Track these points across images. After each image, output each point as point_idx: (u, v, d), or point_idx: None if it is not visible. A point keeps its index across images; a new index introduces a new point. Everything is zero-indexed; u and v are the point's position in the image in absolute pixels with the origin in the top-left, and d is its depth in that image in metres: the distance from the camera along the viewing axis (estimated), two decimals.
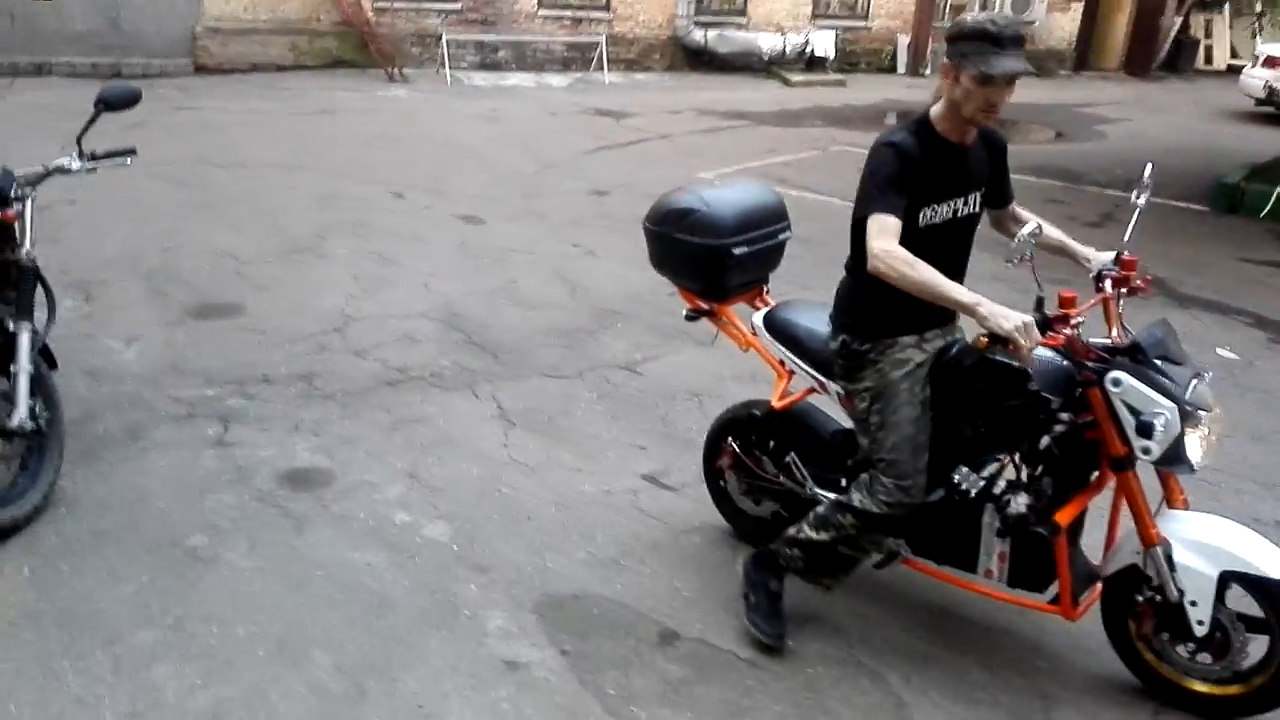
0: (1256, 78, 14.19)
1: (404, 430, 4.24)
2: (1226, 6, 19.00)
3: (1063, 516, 2.66)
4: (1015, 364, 2.58)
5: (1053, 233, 2.85)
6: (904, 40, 17.19)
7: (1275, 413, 4.87)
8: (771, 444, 3.29)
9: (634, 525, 3.60)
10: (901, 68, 17.25)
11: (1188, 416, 2.44)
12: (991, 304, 2.41)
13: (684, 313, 3.48)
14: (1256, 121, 14.11)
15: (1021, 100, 15.53)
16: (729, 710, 2.72)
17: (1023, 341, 2.35)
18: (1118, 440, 2.53)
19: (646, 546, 3.48)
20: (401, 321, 5.45)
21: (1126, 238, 2.83)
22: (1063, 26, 18.13)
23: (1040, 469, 2.71)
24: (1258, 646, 2.60)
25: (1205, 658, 2.67)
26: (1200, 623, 2.56)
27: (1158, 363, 2.50)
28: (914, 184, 2.59)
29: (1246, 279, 7.08)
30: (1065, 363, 2.58)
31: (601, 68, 15.26)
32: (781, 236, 3.36)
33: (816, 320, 3.09)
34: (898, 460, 2.71)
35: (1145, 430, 2.42)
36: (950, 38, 2.60)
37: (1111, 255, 2.81)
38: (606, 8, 15.84)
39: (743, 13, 16.59)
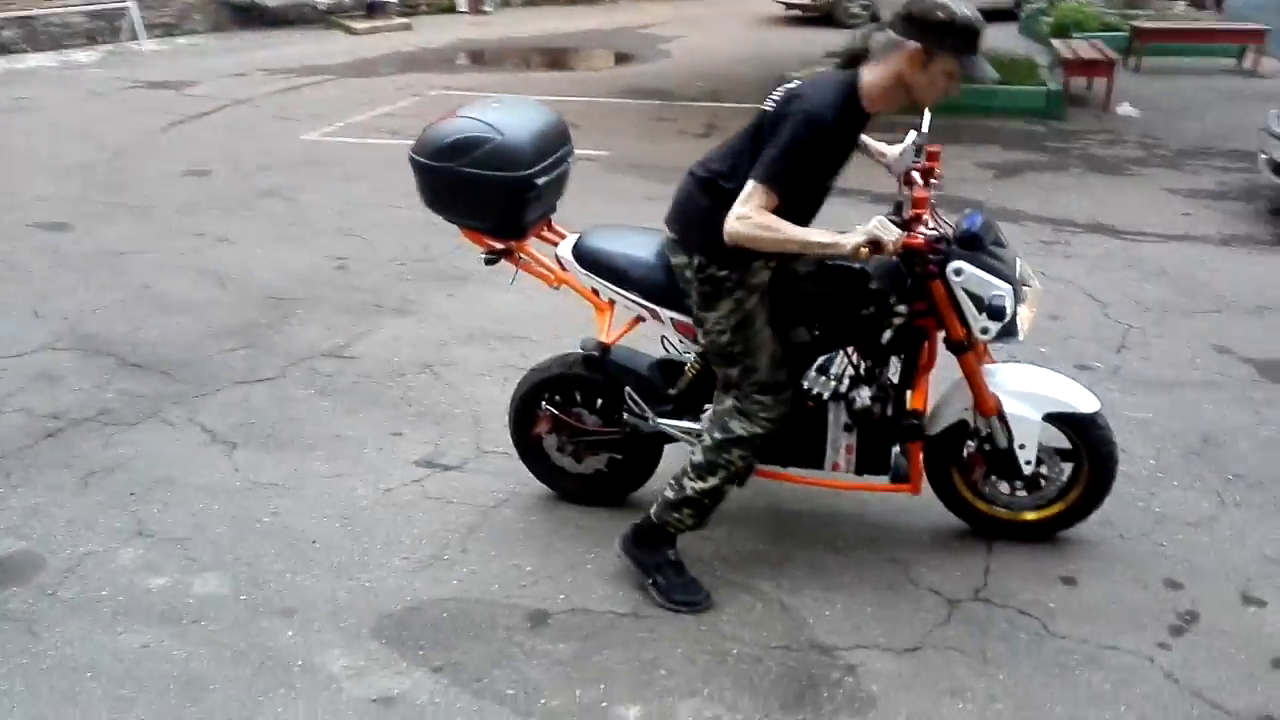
0: None
1: (99, 483, 3.50)
2: None
3: (918, 403, 2.82)
4: (856, 266, 2.65)
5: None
6: None
7: None
8: (596, 392, 3.11)
9: (436, 516, 3.29)
10: (462, 5, 17.04)
11: (1018, 294, 2.66)
12: (841, 235, 2.43)
13: (482, 256, 3.12)
14: (791, 24, 15.81)
15: (581, 28, 16.12)
16: (637, 668, 2.59)
17: (885, 239, 2.41)
18: (958, 325, 2.67)
19: (461, 533, 3.19)
20: (26, 360, 4.47)
21: (925, 129, 2.95)
22: None
23: (877, 362, 2.82)
24: (1066, 470, 2.97)
25: (1023, 492, 3.01)
26: (1028, 462, 2.86)
27: (991, 248, 2.67)
28: (826, 161, 2.52)
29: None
30: (894, 259, 2.66)
31: (135, 37, 13.43)
32: (570, 160, 3.11)
33: (634, 246, 2.94)
34: (771, 380, 2.69)
35: (997, 313, 2.56)
36: (930, 23, 2.40)
37: (906, 147, 2.93)
38: None
39: None
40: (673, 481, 2.83)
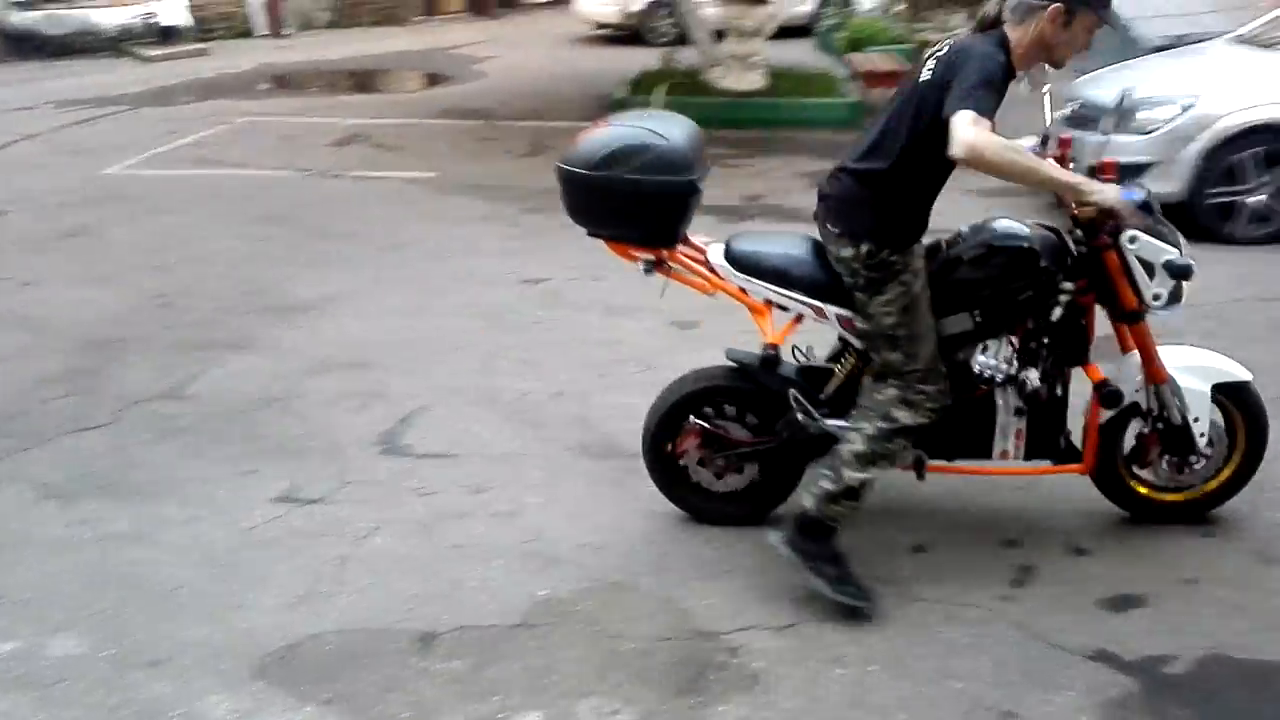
0: (591, 4, 16.09)
1: None
2: None
3: (1097, 375, 2.93)
4: (1023, 245, 2.79)
5: None
6: (255, 2, 16.36)
7: None
8: (751, 402, 3.10)
9: (305, 550, 3.21)
10: (261, 29, 16.44)
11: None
12: (1090, 181, 2.63)
13: (641, 268, 3.05)
14: (602, 43, 16.08)
15: (394, 49, 15.87)
16: (532, 675, 2.63)
17: (1125, 210, 2.61)
18: (1131, 294, 2.81)
19: (335, 565, 3.13)
20: None
21: (1049, 121, 3.12)
22: None
23: (1046, 342, 2.89)
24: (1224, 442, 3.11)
25: (1190, 470, 3.10)
26: (1202, 434, 2.99)
27: (1157, 215, 2.82)
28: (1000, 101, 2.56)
29: None
30: (1051, 235, 2.84)
31: None
32: (709, 164, 3.09)
33: (788, 246, 3.00)
34: (933, 367, 2.78)
35: (1182, 272, 2.71)
36: None
37: (1031, 140, 3.08)
38: None
39: None
40: (828, 473, 2.83)
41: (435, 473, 3.67)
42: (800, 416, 2.99)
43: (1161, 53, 8.87)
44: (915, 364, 2.76)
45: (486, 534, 3.27)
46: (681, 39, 12.53)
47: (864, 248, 2.72)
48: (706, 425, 3.11)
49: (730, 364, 3.12)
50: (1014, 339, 2.93)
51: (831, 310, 2.93)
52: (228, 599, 2.98)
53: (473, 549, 3.19)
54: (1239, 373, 3.05)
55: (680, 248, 3.03)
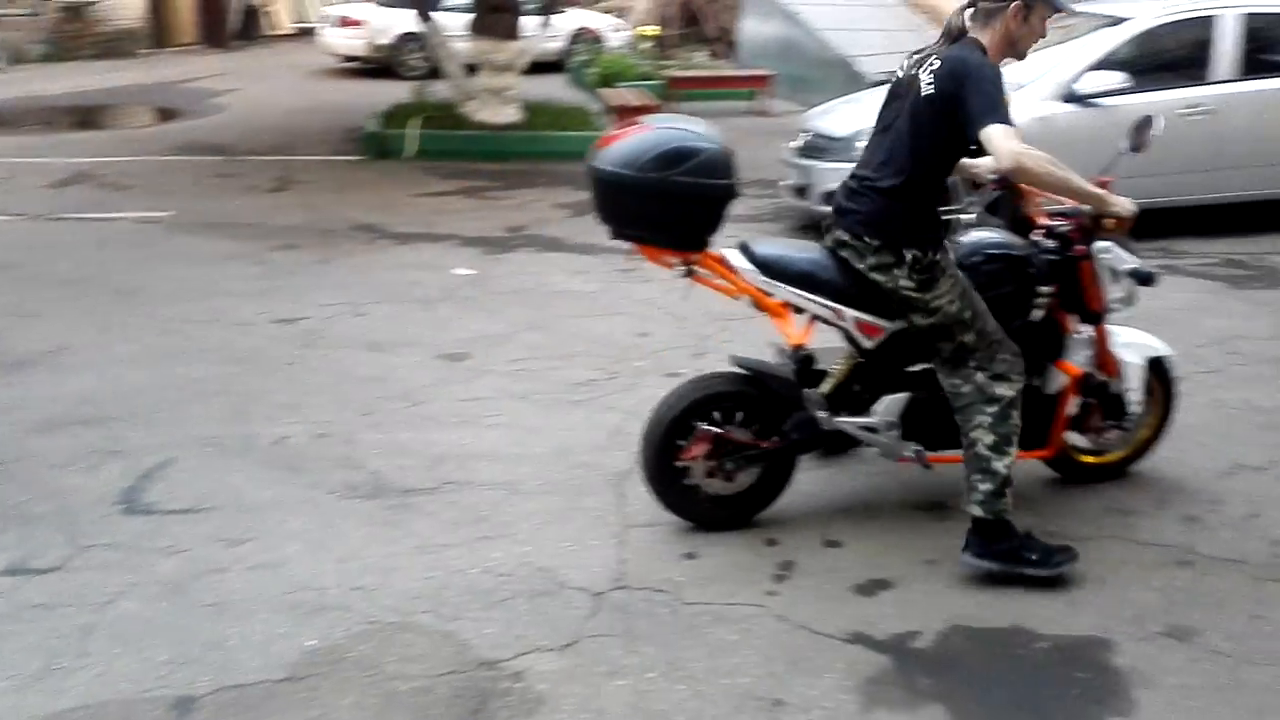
0: (338, 37, 15.67)
1: None
2: None
3: (1073, 370, 3.32)
4: (1015, 253, 3.17)
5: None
6: None
7: (525, 307, 5.86)
8: (757, 402, 3.24)
9: (39, 625, 2.91)
10: None
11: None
12: (1110, 194, 2.99)
13: (677, 273, 3.18)
14: (349, 76, 15.69)
15: (121, 84, 14.85)
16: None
17: (1126, 213, 3.01)
18: (1098, 298, 3.23)
19: (75, 637, 2.85)
20: None
21: None
22: (130, 5, 17.45)
23: (1027, 343, 3.16)
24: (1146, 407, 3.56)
25: (1116, 434, 3.58)
26: (1138, 402, 3.46)
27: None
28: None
29: (434, 210, 8.12)
30: (1033, 246, 3.19)
31: None
32: None
33: (810, 251, 3.21)
34: (1001, 335, 3.04)
35: (1147, 279, 3.11)
36: None
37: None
38: None
39: None
40: (977, 476, 3.01)
41: (185, 529, 3.43)
42: (816, 414, 3.21)
43: (881, 86, 9.76)
44: (990, 336, 3.04)
45: (245, 588, 3.09)
46: (434, 73, 12.48)
47: (910, 255, 2.97)
48: (718, 430, 3.22)
49: (734, 370, 3.29)
50: None
51: (850, 314, 3.13)
52: None
53: (231, 605, 3.01)
54: (1163, 348, 3.58)
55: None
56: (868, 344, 3.18)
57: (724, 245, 3.28)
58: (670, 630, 2.92)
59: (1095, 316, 3.34)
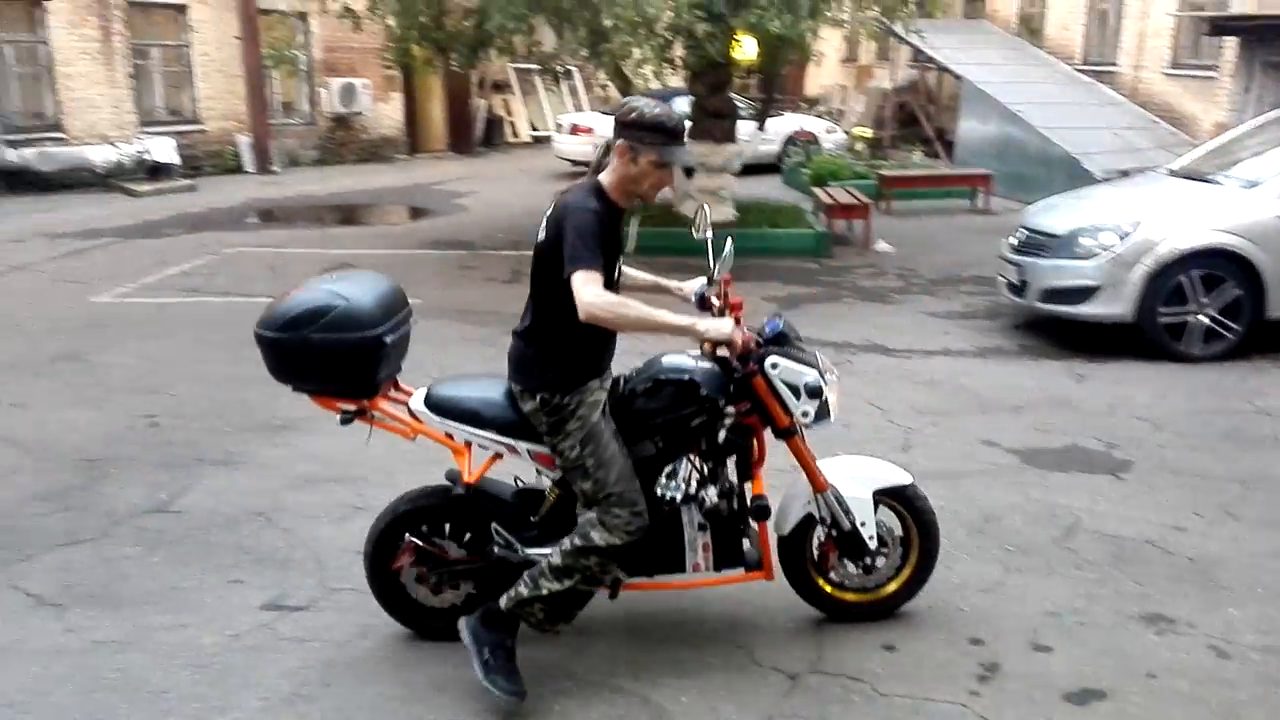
0: (569, 143, 16.85)
1: None
2: (517, 87, 22.18)
3: (760, 489, 3.14)
4: (685, 377, 3.01)
5: (641, 276, 3.33)
6: (245, 140, 16.96)
7: None
8: (464, 524, 3.23)
9: (290, 655, 3.29)
10: (249, 167, 17.00)
11: (824, 378, 3.05)
12: (701, 320, 2.85)
13: (339, 419, 3.17)
14: (577, 179, 16.74)
15: (379, 185, 16.43)
16: None
17: (738, 339, 2.82)
18: (782, 413, 3.05)
19: (319, 669, 3.21)
20: None
21: (713, 265, 3.33)
22: (389, 115, 19.44)
23: (717, 462, 3.14)
24: (899, 543, 3.38)
25: (866, 569, 3.36)
26: (871, 537, 3.26)
27: (795, 343, 3.10)
28: (607, 244, 2.83)
29: (646, 301, 8.47)
30: (714, 367, 3.05)
31: None
32: (411, 321, 3.30)
33: (482, 389, 3.16)
34: (625, 491, 2.94)
35: (814, 392, 2.97)
36: (626, 122, 2.84)
37: (701, 282, 3.37)
38: None
39: (58, 126, 14.93)
40: (528, 578, 3.00)
41: None
42: (497, 550, 3.17)
43: (1106, 183, 9.47)
44: (606, 489, 2.93)
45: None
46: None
47: (539, 398, 2.96)
48: (420, 543, 3.21)
49: (446, 484, 3.23)
50: (694, 460, 3.15)
51: (523, 446, 3.11)
52: (214, 702, 3.05)
53: (459, 653, 3.26)
54: (899, 477, 3.32)
55: (388, 396, 3.22)
56: (551, 474, 3.15)
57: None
58: (865, 717, 2.93)
59: (784, 433, 3.13)
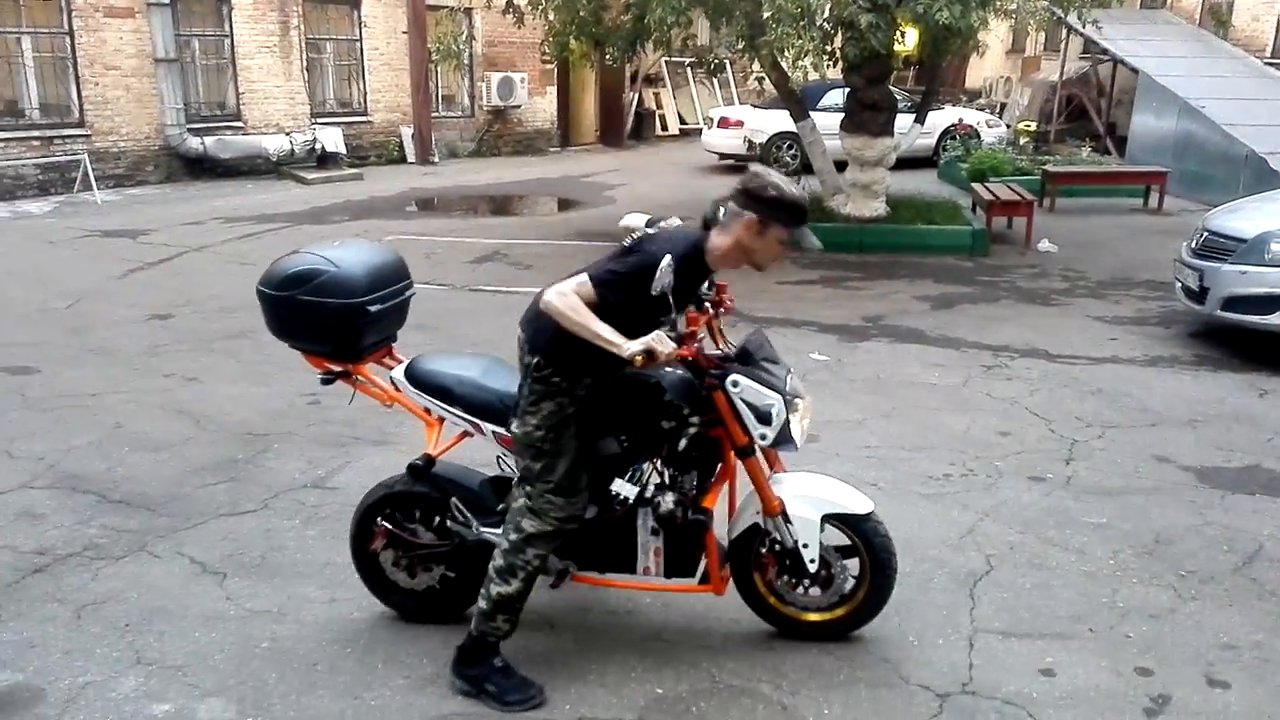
0: (717, 136, 16.80)
1: (92, 615, 3.50)
2: (668, 80, 22.22)
3: (710, 503, 3.06)
4: (650, 380, 2.94)
5: None
6: (408, 132, 17.59)
7: (878, 395, 5.86)
8: (432, 508, 3.28)
9: (437, 635, 3.33)
10: (411, 157, 17.63)
11: (790, 404, 2.94)
12: (625, 340, 2.70)
13: (319, 377, 3.39)
14: (724, 172, 16.66)
15: (531, 177, 16.77)
16: None
17: (659, 349, 2.69)
18: (740, 432, 2.94)
19: None
20: (4, 500, 4.46)
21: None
22: (543, 109, 19.80)
23: (679, 469, 3.05)
24: (852, 568, 3.20)
25: (816, 591, 3.22)
26: (812, 560, 3.10)
27: (763, 363, 2.99)
28: (656, 300, 2.72)
29: (794, 297, 8.38)
30: (688, 375, 2.96)
31: (89, 187, 13.66)
32: (408, 293, 3.43)
33: (462, 368, 3.26)
34: (566, 483, 2.94)
35: (764, 418, 2.88)
36: (764, 200, 2.79)
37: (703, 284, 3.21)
38: (81, 124, 14.22)
39: (237, 116, 15.84)
40: (483, 592, 3.01)
41: None
42: (451, 524, 3.20)
43: None
44: (551, 476, 2.93)
45: (603, 624, 3.34)
46: (805, 168, 12.89)
47: (536, 359, 2.91)
48: (390, 527, 3.28)
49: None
50: (656, 464, 3.08)
51: (489, 428, 3.14)
52: (362, 676, 3.13)
53: (599, 636, 3.26)
54: (856, 505, 3.13)
55: (376, 364, 3.36)
56: (513, 458, 3.10)
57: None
58: None
59: (741, 451, 2.99)
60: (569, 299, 2.73)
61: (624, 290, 2.74)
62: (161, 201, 13.84)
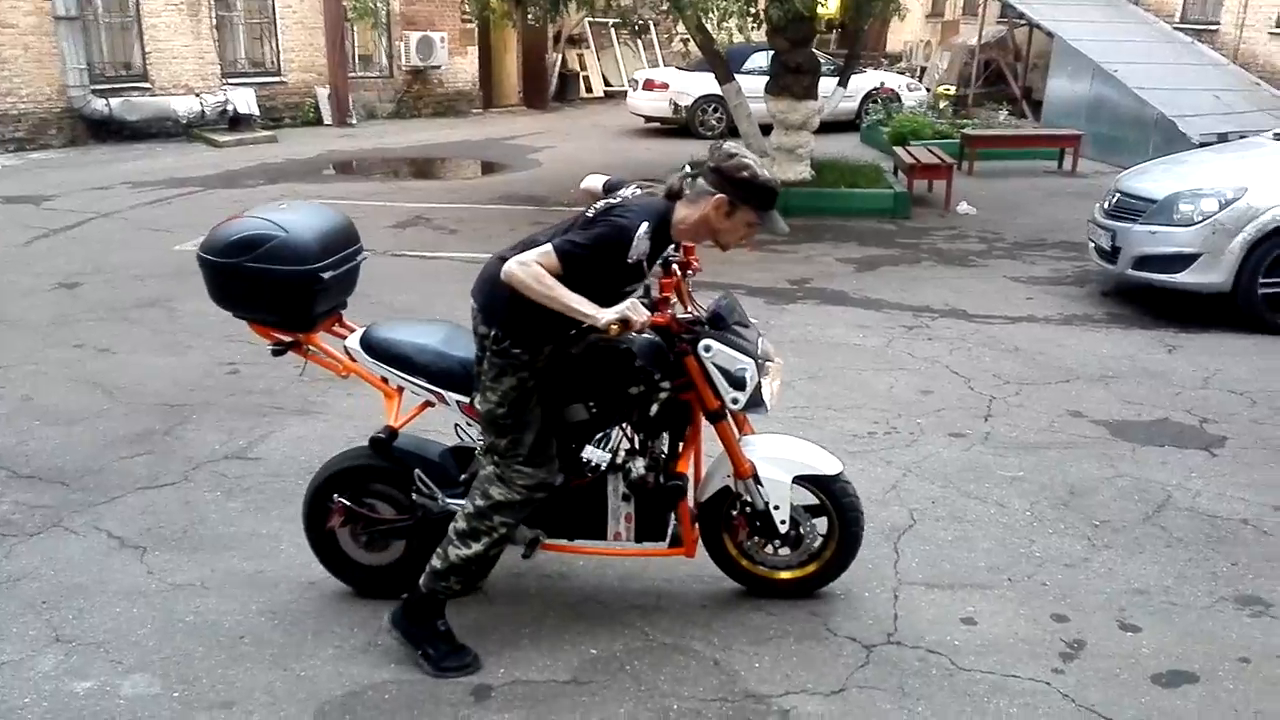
0: (642, 99, 16.69)
1: (6, 593, 3.39)
2: (592, 42, 21.98)
3: (682, 467, 3.07)
4: (621, 345, 2.91)
5: None
6: (324, 92, 17.09)
7: (804, 357, 5.94)
8: (392, 482, 3.19)
9: (366, 604, 3.29)
10: (327, 119, 17.14)
11: (761, 368, 2.96)
12: (600, 309, 2.67)
13: (270, 348, 3.23)
14: (651, 135, 16.58)
15: (453, 139, 16.46)
16: None
17: (634, 317, 2.67)
18: (712, 396, 2.94)
19: None
20: None
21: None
22: (465, 69, 19.40)
23: (649, 434, 3.04)
24: (820, 527, 3.25)
25: (785, 550, 3.28)
26: (783, 521, 3.13)
27: (735, 327, 2.98)
28: (622, 270, 2.73)
29: (721, 260, 8.36)
30: (657, 339, 2.94)
31: None
32: (359, 258, 3.30)
33: (420, 335, 3.15)
34: (535, 453, 2.90)
35: (737, 383, 2.88)
36: (735, 180, 2.74)
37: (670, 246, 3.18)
38: None
39: (144, 77, 15.19)
40: (439, 551, 2.96)
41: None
42: (416, 497, 3.13)
43: (1206, 148, 9.03)
44: (519, 450, 2.89)
45: (541, 593, 3.36)
46: (731, 132, 12.90)
47: (494, 332, 2.84)
48: (348, 503, 3.18)
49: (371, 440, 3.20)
50: (626, 430, 3.08)
51: (453, 398, 3.08)
52: (290, 648, 3.09)
53: (529, 604, 3.28)
54: (825, 466, 3.17)
55: (327, 332, 3.24)
56: (475, 433, 3.07)
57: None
58: (945, 693, 2.85)
59: (713, 415, 3.00)
60: (532, 268, 2.66)
61: (590, 261, 2.69)
62: (66, 166, 13.26)
